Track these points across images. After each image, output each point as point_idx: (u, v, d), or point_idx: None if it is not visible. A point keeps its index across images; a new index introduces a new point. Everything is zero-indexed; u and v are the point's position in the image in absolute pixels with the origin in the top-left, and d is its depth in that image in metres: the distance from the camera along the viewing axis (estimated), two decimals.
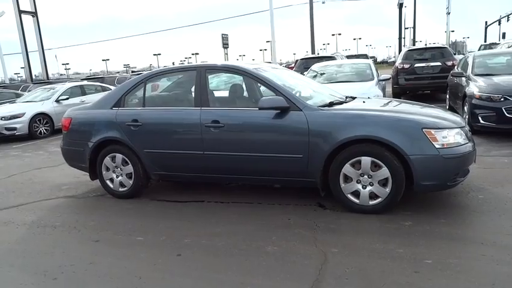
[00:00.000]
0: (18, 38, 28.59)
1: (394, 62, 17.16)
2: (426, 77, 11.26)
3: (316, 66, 9.08)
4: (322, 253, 3.03)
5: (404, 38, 34.70)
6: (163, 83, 5.00)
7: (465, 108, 7.17)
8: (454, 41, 54.28)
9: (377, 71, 8.50)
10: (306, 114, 3.79)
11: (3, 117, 10.43)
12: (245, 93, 4.59)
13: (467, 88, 7.17)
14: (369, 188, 3.68)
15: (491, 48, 21.87)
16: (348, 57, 24.00)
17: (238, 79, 4.97)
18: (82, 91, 12.24)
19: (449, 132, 3.60)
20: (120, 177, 4.68)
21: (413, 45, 32.60)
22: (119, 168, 4.66)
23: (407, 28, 42.30)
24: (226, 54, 56.12)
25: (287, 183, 4.21)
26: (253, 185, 4.76)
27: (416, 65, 11.43)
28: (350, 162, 3.67)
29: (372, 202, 3.69)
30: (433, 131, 3.51)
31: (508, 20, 39.00)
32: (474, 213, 3.65)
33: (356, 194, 3.73)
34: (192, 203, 4.42)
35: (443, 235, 3.24)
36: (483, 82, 6.90)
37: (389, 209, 3.67)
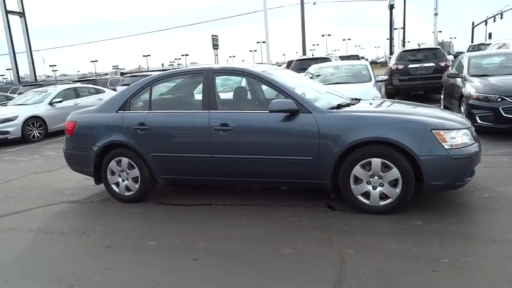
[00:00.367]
0: (4, 39, 28.18)
1: (383, 63, 17.36)
2: (420, 77, 11.41)
3: (313, 68, 9.13)
4: (339, 254, 3.05)
5: (393, 38, 35.10)
6: (170, 86, 4.95)
7: (462, 108, 7.28)
8: (441, 41, 54.98)
9: (373, 72, 8.58)
10: (316, 117, 3.81)
11: None
12: (253, 96, 4.60)
13: (463, 89, 7.28)
14: (379, 188, 3.72)
15: (480, 48, 22.26)
16: (341, 58, 24.12)
17: (242, 82, 5.00)
18: (76, 93, 12.10)
19: (457, 133, 3.66)
20: (126, 181, 4.65)
21: (403, 45, 32.98)
22: (124, 172, 4.63)
23: (396, 29, 42.74)
24: (217, 55, 56.01)
25: (297, 185, 4.23)
26: (259, 188, 4.77)
27: (410, 66, 11.56)
28: (360, 163, 3.71)
29: (382, 203, 3.73)
30: (442, 132, 3.56)
31: (494, 21, 39.72)
32: (481, 211, 3.71)
33: (366, 195, 3.77)
34: (199, 207, 4.41)
35: (455, 234, 3.29)
36: (479, 83, 7.01)
37: (399, 210, 3.72)
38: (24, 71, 32.38)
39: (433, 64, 11.48)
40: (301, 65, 13.03)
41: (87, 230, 4.01)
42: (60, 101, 11.39)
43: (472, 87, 7.01)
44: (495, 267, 2.74)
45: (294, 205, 4.18)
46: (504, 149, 5.84)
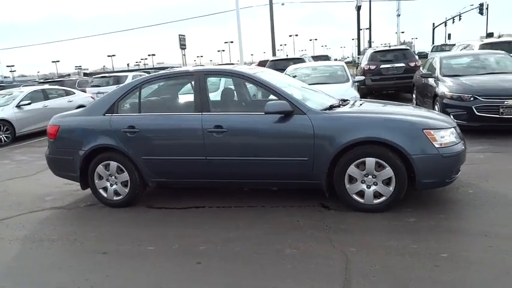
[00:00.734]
0: None
1: (349, 62, 17.70)
2: (391, 77, 11.77)
3: (291, 69, 9.22)
4: (342, 253, 3.12)
5: (357, 39, 35.91)
6: (160, 88, 4.87)
7: (436, 107, 7.56)
8: (403, 41, 56.83)
9: (350, 73, 8.77)
10: (311, 118, 3.87)
11: None
12: (244, 98, 4.61)
13: (437, 88, 7.57)
14: (373, 187, 3.82)
15: (443, 49, 23.18)
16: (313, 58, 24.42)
17: (230, 83, 5.00)
18: (44, 95, 11.64)
19: (445, 132, 3.81)
20: (114, 186, 4.54)
21: (370, 46, 33.79)
22: (113, 177, 4.52)
23: (361, 29, 43.72)
24: (184, 55, 55.34)
25: (291, 186, 4.28)
26: (251, 189, 4.78)
27: (382, 66, 11.90)
28: (355, 163, 3.79)
29: (376, 201, 3.83)
30: (432, 132, 3.70)
31: (453, 22, 41.51)
32: (468, 207, 3.89)
33: (360, 194, 3.86)
34: (192, 210, 4.38)
35: (448, 229, 3.44)
36: (452, 82, 7.31)
37: (392, 207, 3.83)
38: None
39: (403, 64, 11.87)
40: (275, 66, 13.09)
41: (78, 236, 3.89)
42: (29, 104, 10.92)
43: (445, 87, 7.31)
44: (491, 260, 2.88)
45: (288, 205, 4.22)
46: (479, 146, 6.12)
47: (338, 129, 3.81)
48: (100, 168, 4.53)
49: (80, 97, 12.69)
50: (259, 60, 26.24)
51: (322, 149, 3.83)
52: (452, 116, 6.83)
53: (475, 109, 6.63)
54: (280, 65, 12.28)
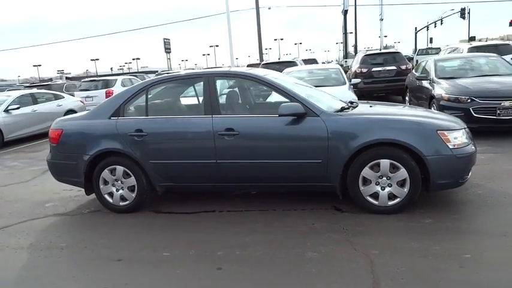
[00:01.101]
0: None
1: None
2: (383, 80, 11.89)
3: (287, 71, 9.22)
4: (365, 256, 3.09)
5: (343, 42, 36.32)
6: (168, 90, 4.78)
7: (432, 109, 7.65)
8: (385, 45, 57.66)
9: (346, 76, 8.82)
10: (324, 120, 3.85)
11: None
12: (253, 100, 4.57)
13: (433, 90, 7.67)
14: (387, 189, 3.82)
15: (428, 52, 23.59)
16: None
17: (236, 86, 4.95)
18: (33, 100, 11.35)
19: (458, 133, 3.84)
20: (121, 191, 4.43)
21: (355, 50, 34.16)
22: (119, 182, 4.41)
23: (345, 33, 44.19)
24: (169, 59, 54.73)
25: (304, 188, 4.24)
26: (259, 192, 4.73)
27: (373, 69, 12.02)
28: (369, 165, 3.79)
29: (390, 203, 3.83)
30: (446, 133, 3.73)
31: (435, 26, 42.39)
32: (482, 207, 3.92)
33: (375, 195, 3.85)
34: (202, 214, 4.30)
35: (465, 230, 3.46)
36: (448, 85, 7.42)
37: (406, 209, 3.83)
38: None
39: (394, 67, 12.01)
40: (267, 69, 13.09)
41: (87, 243, 3.77)
42: (17, 108, 10.64)
43: (441, 89, 7.40)
44: None
45: (300, 208, 4.18)
46: (479, 147, 6.08)
47: (352, 131, 3.80)
48: (105, 173, 4.41)
49: (69, 101, 12.43)
50: (247, 63, 26.24)
51: (336, 151, 3.81)
52: None
53: (473, 110, 6.72)
54: (272, 69, 12.18)
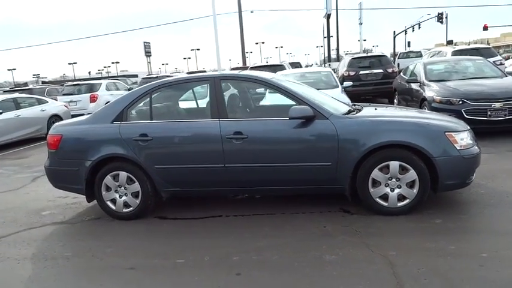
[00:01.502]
0: None
1: None
2: (370, 83, 12.05)
3: (280, 74, 9.22)
4: (383, 257, 3.10)
5: (323, 46, 36.74)
6: (172, 94, 4.69)
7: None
8: (364, 49, 58.60)
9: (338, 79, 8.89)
10: (334, 122, 3.85)
11: None
12: (265, 103, 4.54)
13: (424, 93, 7.81)
14: (397, 190, 3.85)
15: (408, 55, 24.07)
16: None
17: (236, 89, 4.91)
18: (16, 105, 10.99)
19: (463, 134, 3.91)
20: (124, 197, 4.33)
21: (337, 54, 34.63)
22: (122, 188, 4.31)
23: (325, 37, 44.75)
24: (149, 62, 54.18)
25: (314, 191, 4.23)
26: (263, 196, 4.70)
27: (361, 72, 12.17)
28: (378, 167, 3.81)
29: (400, 204, 3.86)
30: (453, 134, 3.79)
31: (413, 30, 43.35)
32: (487, 207, 3.99)
33: (384, 197, 3.87)
34: (209, 219, 4.24)
35: (476, 229, 3.53)
36: (439, 87, 7.57)
37: (415, 210, 3.87)
38: None
39: (381, 70, 12.19)
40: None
41: (94, 252, 3.65)
42: (0, 113, 10.31)
43: (433, 92, 7.55)
44: None
45: (308, 211, 4.17)
46: None
47: (362, 134, 3.82)
48: (108, 179, 4.30)
49: (53, 106, 12.11)
50: (229, 67, 26.19)
51: (346, 153, 3.82)
52: None
53: (464, 112, 6.87)
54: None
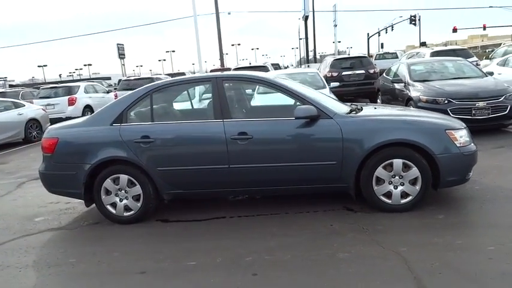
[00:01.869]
0: None
1: None
2: (353, 84, 12.24)
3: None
4: (395, 253, 3.15)
5: (298, 48, 37.14)
6: (173, 95, 4.62)
7: None
8: (338, 50, 59.57)
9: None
10: (338, 122, 3.90)
11: None
12: (266, 103, 4.54)
13: (410, 93, 8.00)
14: (400, 187, 3.93)
15: (385, 57, 24.59)
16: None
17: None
18: None
19: (462, 132, 4.03)
20: (125, 201, 4.24)
21: (314, 55, 34.99)
22: (123, 191, 4.22)
23: (301, 39, 45.28)
24: (123, 64, 53.13)
25: (318, 190, 4.25)
26: (264, 197, 4.70)
27: (343, 73, 12.35)
28: (382, 165, 3.88)
29: (403, 201, 3.94)
30: (453, 132, 3.90)
31: (386, 32, 44.37)
32: (485, 202, 4.12)
33: (387, 194, 3.95)
34: (214, 221, 4.21)
35: (478, 223, 3.65)
36: (424, 87, 7.78)
37: (417, 206, 3.96)
38: None
39: (363, 71, 12.41)
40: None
41: (100, 257, 3.56)
42: None
43: (418, 92, 7.75)
44: None
45: (312, 210, 4.20)
46: None
47: (366, 132, 3.88)
48: (108, 183, 4.21)
49: (30, 110, 11.72)
50: (210, 69, 26.05)
51: (350, 152, 3.87)
52: None
53: (450, 111, 7.07)
54: None
